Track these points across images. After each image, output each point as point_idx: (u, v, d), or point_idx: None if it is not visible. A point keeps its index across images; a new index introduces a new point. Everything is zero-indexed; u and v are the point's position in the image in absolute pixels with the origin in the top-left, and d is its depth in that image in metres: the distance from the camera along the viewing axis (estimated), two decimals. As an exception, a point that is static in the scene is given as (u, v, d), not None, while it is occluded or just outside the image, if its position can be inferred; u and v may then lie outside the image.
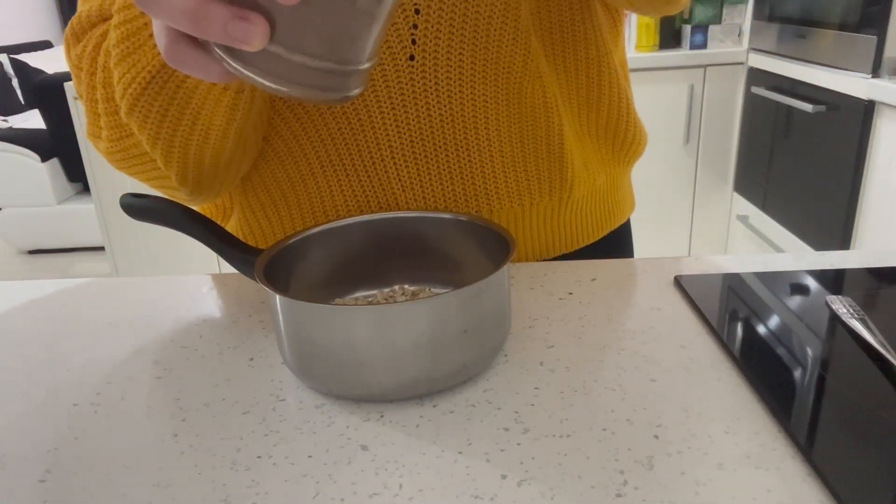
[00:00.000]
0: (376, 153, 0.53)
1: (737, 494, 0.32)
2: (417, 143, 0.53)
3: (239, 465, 0.36)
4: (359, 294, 0.52)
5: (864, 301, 0.49)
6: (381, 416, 0.39)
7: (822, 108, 1.83)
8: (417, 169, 0.54)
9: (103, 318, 0.53)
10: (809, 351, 0.43)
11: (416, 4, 0.48)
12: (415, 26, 0.48)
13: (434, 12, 0.48)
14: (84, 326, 0.52)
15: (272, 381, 0.43)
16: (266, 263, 0.44)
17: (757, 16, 2.27)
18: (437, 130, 0.53)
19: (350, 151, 0.54)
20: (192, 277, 0.60)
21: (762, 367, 0.42)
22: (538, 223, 0.60)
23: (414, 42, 0.49)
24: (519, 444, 0.36)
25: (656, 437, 0.36)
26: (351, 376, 0.39)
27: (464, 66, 0.52)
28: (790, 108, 1.99)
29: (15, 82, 4.10)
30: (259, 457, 0.36)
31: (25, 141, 3.09)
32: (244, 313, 0.53)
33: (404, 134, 0.53)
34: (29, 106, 4.08)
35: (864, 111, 1.66)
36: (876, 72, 1.67)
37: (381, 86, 0.51)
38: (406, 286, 0.52)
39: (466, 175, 0.56)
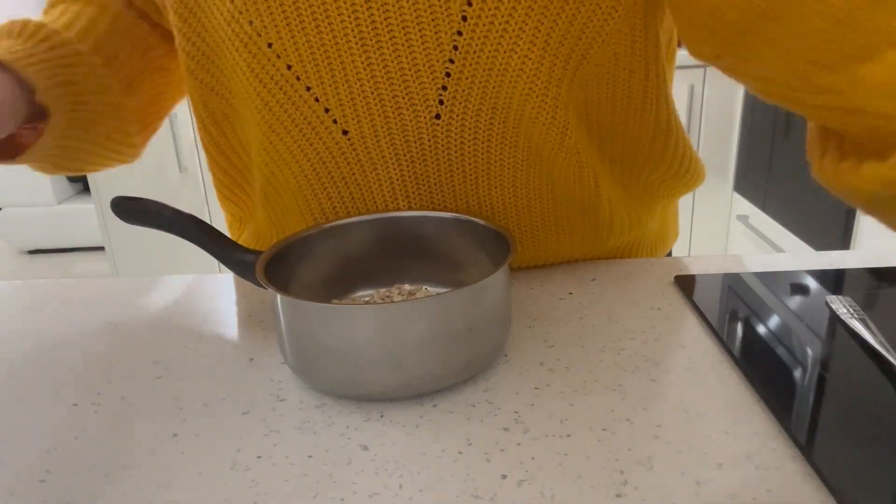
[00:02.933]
0: (391, 202, 0.53)
1: (737, 494, 0.32)
2: (436, 195, 0.52)
3: (239, 465, 0.36)
4: (358, 294, 0.52)
5: (864, 301, 0.49)
6: (382, 416, 0.39)
7: (822, 107, 1.83)
8: None
9: (103, 318, 0.53)
10: (809, 351, 0.43)
11: (447, 68, 0.47)
12: (444, 88, 0.48)
13: (466, 79, 0.47)
14: (84, 326, 0.52)
15: (272, 381, 0.43)
16: (266, 263, 0.44)
17: (757, 16, 2.26)
18: (459, 186, 0.52)
19: (365, 199, 0.53)
20: (192, 277, 0.60)
21: (762, 367, 0.42)
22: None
23: (441, 103, 0.49)
24: (519, 444, 0.36)
25: (656, 437, 0.36)
26: (354, 375, 0.39)
27: (492, 134, 0.50)
28: (790, 108, 1.99)
29: (15, 82, 4.10)
30: (259, 457, 0.36)
31: (25, 141, 3.08)
32: (244, 313, 0.53)
33: (423, 186, 0.52)
34: (29, 106, 4.07)
35: (864, 111, 1.66)
36: (876, 72, 1.67)
37: (399, 138, 0.50)
38: (404, 286, 0.52)
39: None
